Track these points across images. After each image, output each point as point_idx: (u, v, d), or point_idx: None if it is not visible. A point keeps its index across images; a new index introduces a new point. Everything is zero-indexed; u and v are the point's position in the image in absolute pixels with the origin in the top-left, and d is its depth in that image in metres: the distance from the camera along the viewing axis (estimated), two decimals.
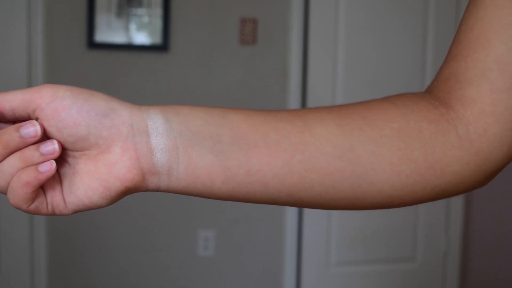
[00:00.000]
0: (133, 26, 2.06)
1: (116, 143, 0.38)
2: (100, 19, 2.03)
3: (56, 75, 2.01)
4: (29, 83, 2.00)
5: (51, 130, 0.37)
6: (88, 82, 2.03)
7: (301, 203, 0.43)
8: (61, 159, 0.40)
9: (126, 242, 2.13)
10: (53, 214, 0.40)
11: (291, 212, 2.23)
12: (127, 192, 0.40)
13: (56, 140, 0.38)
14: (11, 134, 0.36)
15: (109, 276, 2.13)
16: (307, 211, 2.22)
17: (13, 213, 2.01)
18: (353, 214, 2.26)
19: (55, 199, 0.39)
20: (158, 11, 2.07)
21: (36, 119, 0.38)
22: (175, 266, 2.18)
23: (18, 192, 0.37)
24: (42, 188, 0.39)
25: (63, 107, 0.37)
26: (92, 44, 2.03)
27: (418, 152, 0.41)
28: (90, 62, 2.05)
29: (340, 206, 0.43)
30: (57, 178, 0.40)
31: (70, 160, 0.40)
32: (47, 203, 0.39)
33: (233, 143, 0.40)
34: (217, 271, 2.21)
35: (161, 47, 2.08)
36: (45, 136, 0.38)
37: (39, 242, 2.05)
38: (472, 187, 0.44)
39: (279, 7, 2.17)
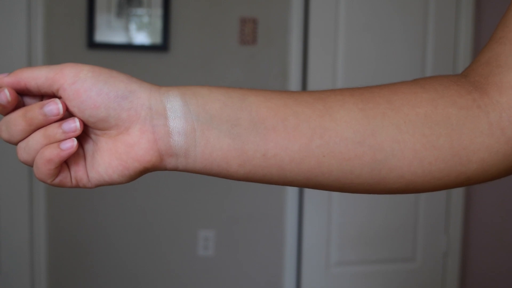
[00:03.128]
0: (133, 26, 2.06)
1: (135, 125, 0.39)
2: (100, 19, 2.03)
3: None
4: None
5: (73, 110, 0.38)
6: None
7: (320, 187, 0.42)
8: (85, 135, 0.41)
9: (127, 242, 2.12)
10: (76, 187, 0.41)
11: (291, 212, 2.23)
12: (145, 171, 0.40)
13: (78, 118, 0.39)
14: (35, 111, 0.38)
15: (109, 276, 2.12)
16: (307, 211, 2.22)
17: (13, 213, 2.00)
18: (354, 214, 2.26)
19: (79, 174, 0.40)
20: (158, 11, 2.07)
21: (60, 98, 0.39)
22: (175, 265, 2.17)
23: (42, 168, 0.38)
24: (66, 162, 0.40)
25: (84, 89, 0.38)
26: (92, 44, 2.02)
27: (443, 138, 0.40)
28: (90, 62, 2.05)
29: (359, 190, 0.43)
30: (81, 153, 0.41)
31: (92, 136, 0.41)
32: (71, 177, 0.40)
33: (251, 127, 0.39)
34: (217, 271, 2.21)
35: (161, 47, 2.08)
36: (70, 113, 0.39)
37: (39, 242, 2.04)
38: (499, 175, 0.43)
39: (279, 7, 2.18)
